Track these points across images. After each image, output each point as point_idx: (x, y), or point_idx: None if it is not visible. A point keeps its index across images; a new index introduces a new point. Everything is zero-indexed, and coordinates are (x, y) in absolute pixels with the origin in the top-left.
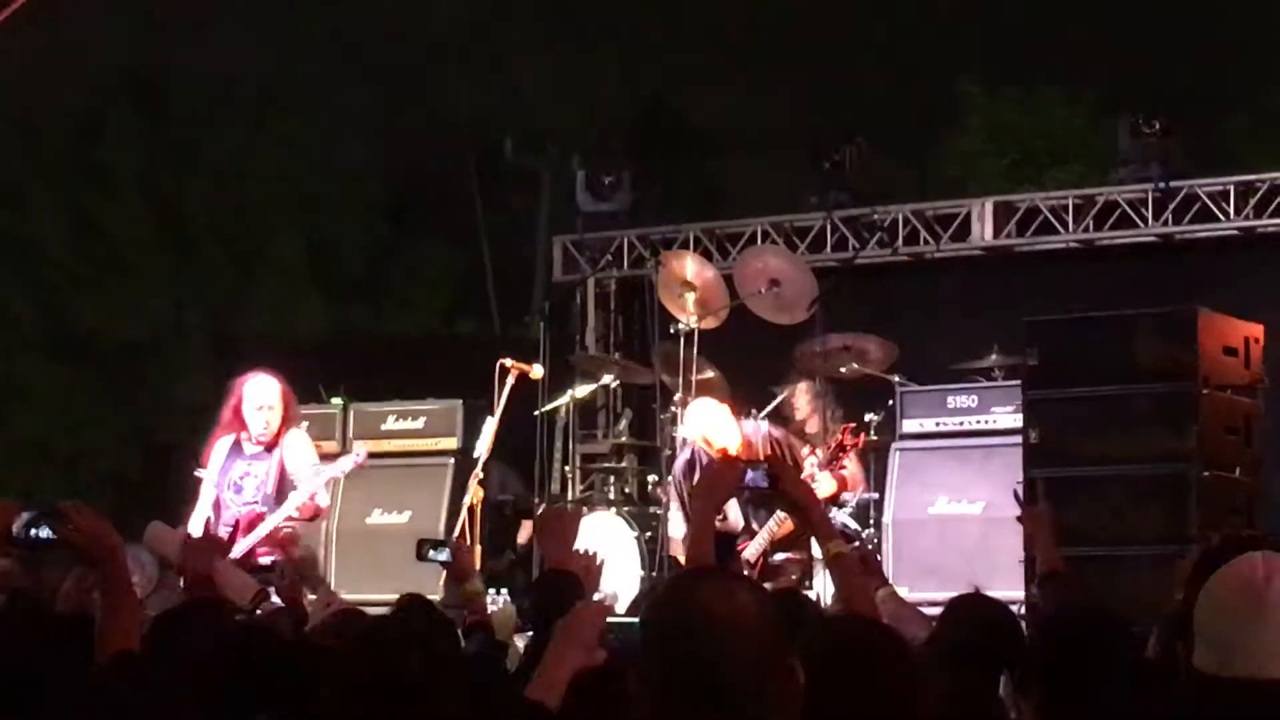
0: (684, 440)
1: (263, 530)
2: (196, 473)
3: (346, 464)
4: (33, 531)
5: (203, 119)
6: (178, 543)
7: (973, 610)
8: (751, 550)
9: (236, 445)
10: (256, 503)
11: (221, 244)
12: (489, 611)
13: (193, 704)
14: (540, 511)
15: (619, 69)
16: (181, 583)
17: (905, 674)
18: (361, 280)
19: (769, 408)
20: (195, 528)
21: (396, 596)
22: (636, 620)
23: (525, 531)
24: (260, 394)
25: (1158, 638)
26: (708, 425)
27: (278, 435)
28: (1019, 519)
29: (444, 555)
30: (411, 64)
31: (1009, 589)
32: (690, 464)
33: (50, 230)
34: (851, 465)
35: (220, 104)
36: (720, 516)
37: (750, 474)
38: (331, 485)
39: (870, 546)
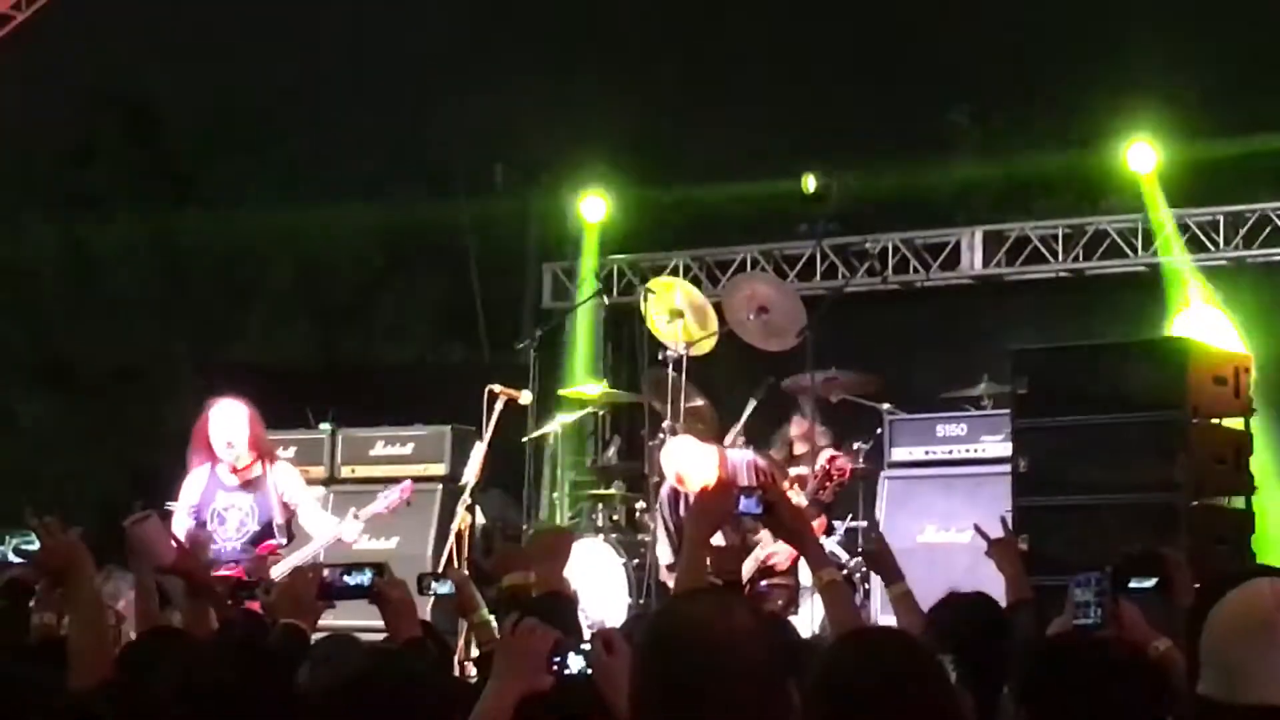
0: None
1: (285, 568)
2: (167, 505)
3: (391, 497)
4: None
5: (196, 145)
6: (171, 549)
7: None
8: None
9: (214, 475)
10: (241, 538)
11: (213, 269)
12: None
13: None
14: (533, 532)
15: (611, 97)
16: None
17: (942, 688)
18: (352, 306)
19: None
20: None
21: (380, 623)
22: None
23: None
24: (225, 426)
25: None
26: (682, 464)
27: (260, 466)
28: (987, 553)
29: (446, 588)
30: (403, 91)
31: None
32: (674, 491)
33: (40, 255)
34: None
35: (214, 130)
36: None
37: (744, 501)
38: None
39: (859, 575)
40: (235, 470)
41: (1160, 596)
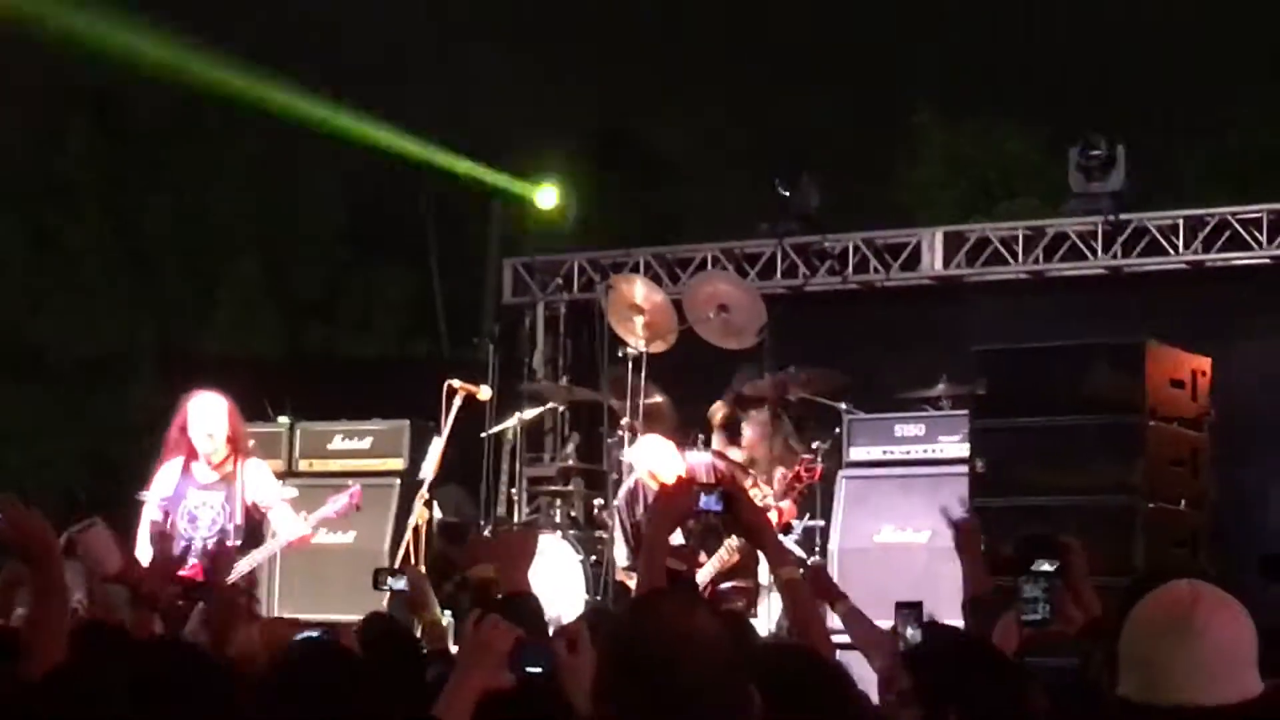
0: (629, 467)
1: (244, 568)
2: (139, 495)
3: (340, 502)
4: None
5: (165, 137)
6: (117, 558)
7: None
8: (700, 577)
9: (187, 471)
10: (213, 537)
11: (179, 262)
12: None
13: None
14: (494, 533)
15: (575, 94)
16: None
17: (850, 711)
18: (317, 301)
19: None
20: (142, 552)
21: (339, 618)
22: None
23: None
24: (205, 417)
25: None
26: (654, 462)
27: (231, 462)
28: (956, 546)
29: (401, 584)
30: (368, 87)
31: (952, 619)
32: (633, 493)
33: (7, 244)
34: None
35: (182, 123)
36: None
37: (704, 498)
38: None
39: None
40: (212, 465)
41: (1060, 580)
